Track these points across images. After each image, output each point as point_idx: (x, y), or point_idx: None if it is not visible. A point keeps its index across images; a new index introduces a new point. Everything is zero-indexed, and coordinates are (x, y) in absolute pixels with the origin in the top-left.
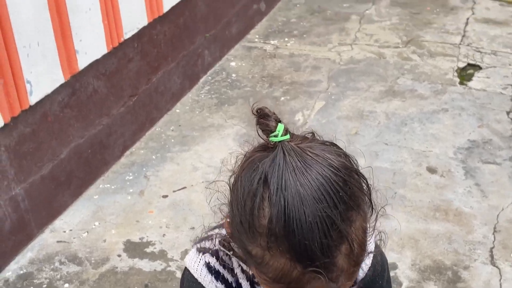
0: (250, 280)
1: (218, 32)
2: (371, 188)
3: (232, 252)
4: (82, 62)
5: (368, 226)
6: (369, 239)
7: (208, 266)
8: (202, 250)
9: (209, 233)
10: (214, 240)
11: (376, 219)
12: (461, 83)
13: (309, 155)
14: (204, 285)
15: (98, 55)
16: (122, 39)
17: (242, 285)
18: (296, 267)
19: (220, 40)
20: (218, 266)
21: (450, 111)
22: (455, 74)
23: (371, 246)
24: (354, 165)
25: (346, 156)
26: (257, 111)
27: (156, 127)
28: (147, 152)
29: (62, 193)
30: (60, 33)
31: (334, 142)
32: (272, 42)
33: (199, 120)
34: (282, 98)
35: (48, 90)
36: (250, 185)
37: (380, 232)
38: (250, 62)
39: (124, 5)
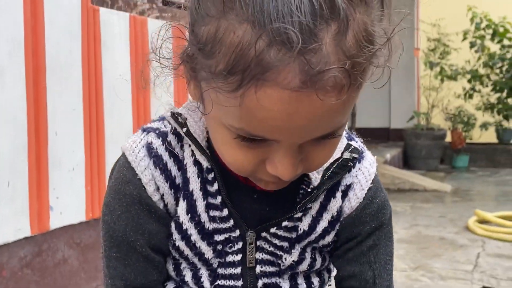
0: (202, 177)
1: None
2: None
3: (186, 130)
4: (55, 221)
5: (373, 30)
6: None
7: (148, 147)
8: (147, 130)
9: (164, 114)
10: (165, 120)
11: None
12: None
13: None
14: (137, 172)
15: (73, 220)
16: None
17: (190, 181)
18: (258, 37)
19: None
20: (162, 151)
21: None
22: None
23: (356, 145)
24: None
25: None
26: None
27: None
28: None
29: None
30: (36, 181)
31: None
32: None
33: None
34: None
35: (9, 238)
36: None
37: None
38: None
39: None
